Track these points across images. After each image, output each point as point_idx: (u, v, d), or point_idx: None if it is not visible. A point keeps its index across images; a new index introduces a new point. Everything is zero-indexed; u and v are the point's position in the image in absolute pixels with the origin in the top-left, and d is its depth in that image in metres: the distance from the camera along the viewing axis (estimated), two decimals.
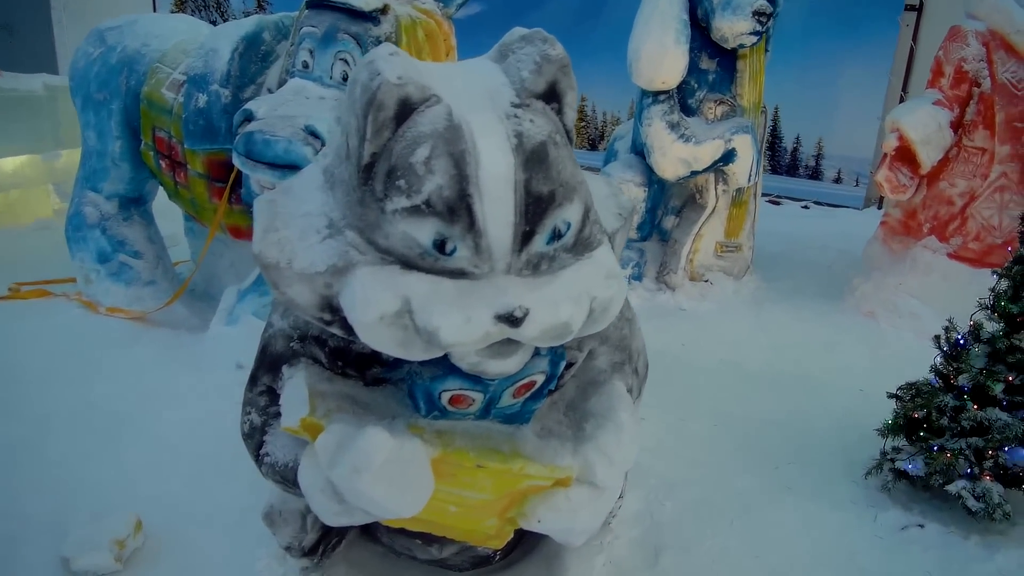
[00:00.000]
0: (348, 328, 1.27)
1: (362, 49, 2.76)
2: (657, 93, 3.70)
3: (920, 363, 3.43)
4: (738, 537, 2.24)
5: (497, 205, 1.15)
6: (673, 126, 3.67)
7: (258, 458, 1.63)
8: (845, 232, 5.03)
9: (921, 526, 2.25)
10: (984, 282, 3.41)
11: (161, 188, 3.63)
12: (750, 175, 3.72)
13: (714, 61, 3.75)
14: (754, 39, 3.59)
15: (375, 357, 1.45)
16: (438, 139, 1.13)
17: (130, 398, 2.86)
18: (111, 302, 3.45)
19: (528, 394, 1.47)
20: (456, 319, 1.17)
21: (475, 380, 1.36)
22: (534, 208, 1.18)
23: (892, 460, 2.35)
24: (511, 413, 1.50)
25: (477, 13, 6.90)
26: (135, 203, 3.60)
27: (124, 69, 3.34)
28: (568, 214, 1.24)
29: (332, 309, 1.26)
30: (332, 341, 1.45)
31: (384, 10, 2.78)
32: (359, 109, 1.16)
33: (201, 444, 2.59)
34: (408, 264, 1.20)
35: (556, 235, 1.24)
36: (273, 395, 1.58)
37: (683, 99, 3.78)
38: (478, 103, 1.19)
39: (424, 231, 1.16)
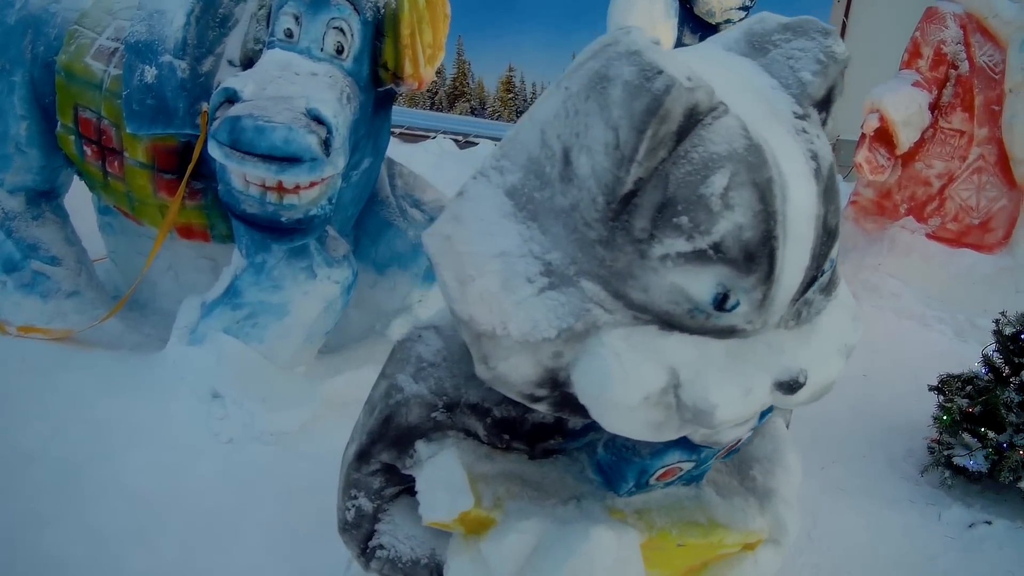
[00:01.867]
0: (565, 405, 0.97)
1: (360, 16, 2.33)
2: None
3: (908, 344, 3.50)
4: (819, 551, 2.12)
5: (798, 247, 0.89)
6: None
7: (365, 551, 1.28)
8: None
9: (988, 523, 2.23)
10: (962, 262, 3.52)
11: (77, 178, 3.01)
12: None
13: (696, 36, 3.57)
14: (742, 14, 3.44)
15: (558, 427, 1.14)
16: (739, 163, 0.84)
17: (79, 441, 2.33)
18: (24, 320, 2.82)
19: (725, 454, 1.23)
20: (734, 392, 0.90)
21: (693, 449, 1.10)
22: (823, 247, 0.93)
23: (949, 456, 2.32)
24: (696, 474, 1.25)
25: None
26: (46, 197, 2.96)
27: (27, 31, 2.69)
28: (835, 250, 1.00)
29: (554, 384, 0.94)
30: (499, 410, 1.13)
31: None
32: (619, 117, 0.85)
33: (188, 496, 2.14)
34: (668, 323, 0.92)
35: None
36: (391, 474, 1.24)
37: None
38: (761, 112, 0.91)
39: (704, 282, 0.88)
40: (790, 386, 0.94)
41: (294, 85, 2.20)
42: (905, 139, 3.54)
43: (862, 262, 3.74)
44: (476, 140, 6.69)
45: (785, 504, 1.33)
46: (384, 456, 1.21)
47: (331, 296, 2.56)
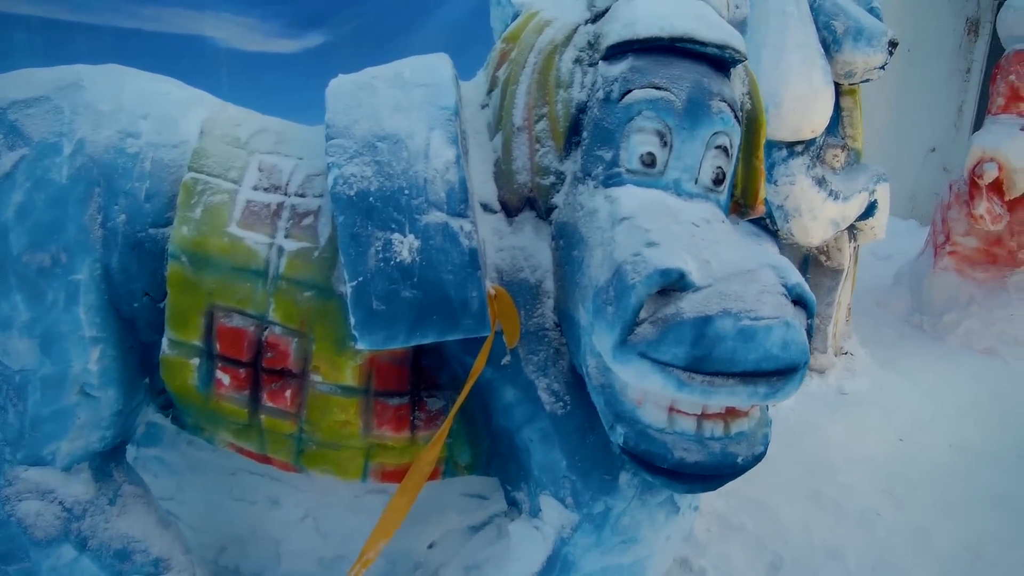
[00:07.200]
0: None
1: (739, 126, 1.56)
2: (794, 143, 3.00)
3: None
4: None
5: None
6: (820, 182, 3.01)
7: None
8: None
9: None
10: None
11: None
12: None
13: None
14: (880, 73, 3.10)
15: None
16: None
17: None
18: None
19: None
20: None
21: None
22: None
23: None
24: None
25: (319, 46, 5.29)
26: (115, 459, 1.74)
27: (93, 191, 1.52)
28: None
29: None
30: None
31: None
32: None
33: None
34: None
35: None
36: None
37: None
38: None
39: None
40: None
41: (723, 247, 1.38)
42: (1021, 186, 3.44)
43: (991, 314, 3.58)
44: None
45: None
46: None
47: (688, 529, 1.73)
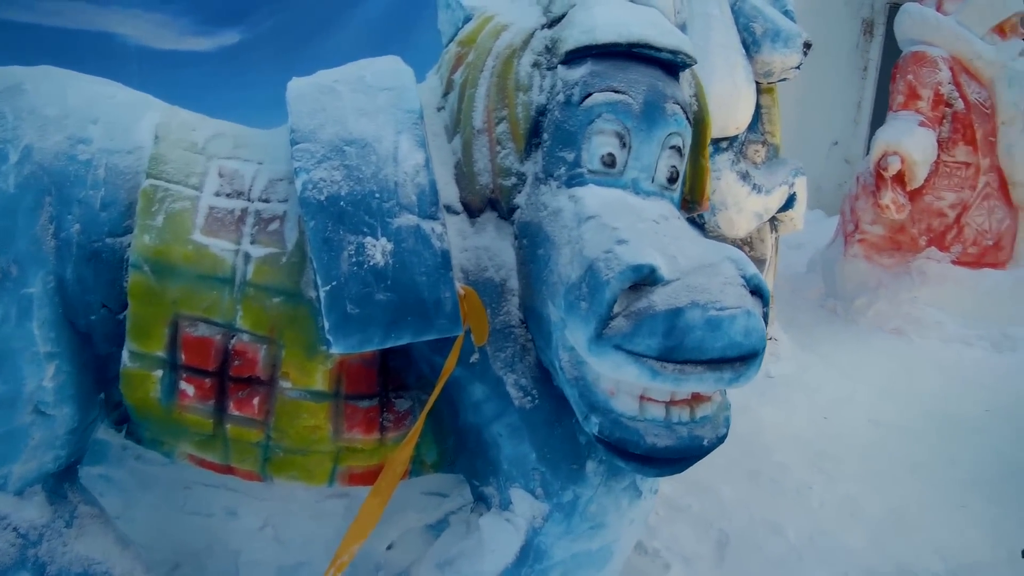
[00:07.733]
0: None
1: (691, 127, 1.65)
2: (719, 140, 3.15)
3: (968, 366, 3.66)
4: None
5: None
6: (744, 176, 3.18)
7: None
8: None
9: None
10: (987, 281, 3.81)
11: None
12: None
13: None
14: (796, 73, 3.30)
15: None
16: None
17: None
18: None
19: None
20: None
21: None
22: None
23: None
24: None
25: (235, 44, 5.08)
26: (69, 477, 1.67)
27: (44, 200, 1.46)
28: None
29: None
30: None
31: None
32: None
33: None
34: None
35: None
36: None
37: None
38: None
39: None
40: None
41: (685, 242, 1.46)
42: (921, 177, 3.74)
43: (898, 297, 3.87)
44: None
45: None
46: None
47: (649, 512, 1.82)
